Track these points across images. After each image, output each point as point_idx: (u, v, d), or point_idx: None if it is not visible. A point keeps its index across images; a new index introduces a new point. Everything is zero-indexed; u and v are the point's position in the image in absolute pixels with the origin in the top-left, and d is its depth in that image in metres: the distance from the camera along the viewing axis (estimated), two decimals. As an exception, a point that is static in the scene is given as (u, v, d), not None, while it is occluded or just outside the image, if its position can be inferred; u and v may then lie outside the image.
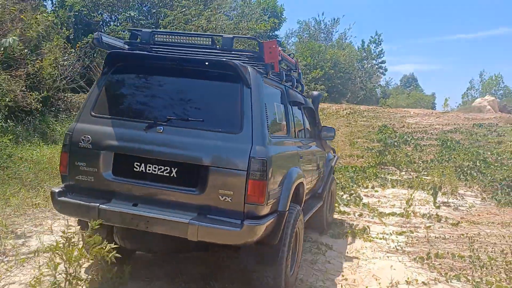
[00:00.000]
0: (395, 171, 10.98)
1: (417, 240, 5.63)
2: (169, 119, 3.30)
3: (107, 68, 3.61)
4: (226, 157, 3.16)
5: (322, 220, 5.68)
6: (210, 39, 3.88)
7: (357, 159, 11.89)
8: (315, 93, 6.17)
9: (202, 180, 3.16)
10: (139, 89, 3.62)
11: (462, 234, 5.92)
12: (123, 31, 17.07)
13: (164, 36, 4.01)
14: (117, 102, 3.60)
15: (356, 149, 13.04)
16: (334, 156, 6.43)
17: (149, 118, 3.37)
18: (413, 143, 13.90)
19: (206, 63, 3.41)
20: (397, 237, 5.71)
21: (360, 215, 6.80)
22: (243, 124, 3.23)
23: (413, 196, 7.96)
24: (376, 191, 8.68)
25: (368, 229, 5.86)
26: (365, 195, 8.23)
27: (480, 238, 5.80)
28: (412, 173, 10.69)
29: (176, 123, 3.31)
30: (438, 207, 7.55)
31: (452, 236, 5.84)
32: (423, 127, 16.72)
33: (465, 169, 10.86)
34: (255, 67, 3.61)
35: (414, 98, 44.53)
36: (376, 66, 43.07)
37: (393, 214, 6.87)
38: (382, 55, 43.20)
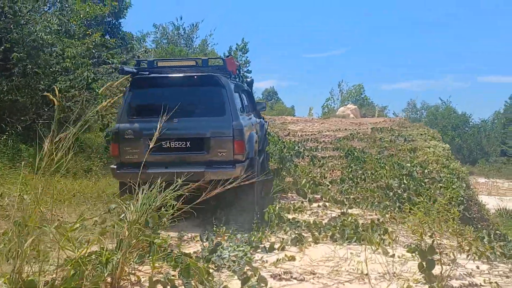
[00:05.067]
0: (299, 201, 6.78)
1: None
2: (180, 114, 5.15)
3: (132, 87, 5.89)
4: (219, 130, 5.60)
5: (265, 167, 7.58)
6: (195, 61, 6.55)
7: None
8: (248, 79, 9.20)
9: (207, 146, 5.58)
10: (155, 98, 5.80)
11: None
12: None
13: (163, 62, 6.66)
14: (143, 107, 5.79)
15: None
16: (266, 122, 8.84)
17: (167, 114, 4.69)
18: (307, 155, 10.03)
19: (195, 77, 5.90)
20: None
21: None
22: (225, 110, 5.67)
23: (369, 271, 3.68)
24: (290, 257, 4.18)
25: None
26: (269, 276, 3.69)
27: None
28: (327, 204, 6.60)
29: (185, 115, 5.53)
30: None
31: None
32: (311, 134, 13.18)
33: (396, 191, 7.19)
34: (223, 75, 6.09)
35: (277, 110, 43.26)
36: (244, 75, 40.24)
37: None
38: (249, 64, 40.82)
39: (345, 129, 13.70)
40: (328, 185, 7.90)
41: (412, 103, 59.13)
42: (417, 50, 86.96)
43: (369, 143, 11.24)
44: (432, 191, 7.58)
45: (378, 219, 5.64)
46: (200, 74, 6.00)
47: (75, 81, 8.23)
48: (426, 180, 8.04)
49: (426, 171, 8.57)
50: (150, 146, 3.80)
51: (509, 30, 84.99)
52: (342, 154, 10.06)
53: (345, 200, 6.52)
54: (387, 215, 5.96)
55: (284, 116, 18.82)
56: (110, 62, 9.11)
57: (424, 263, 3.47)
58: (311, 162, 9.59)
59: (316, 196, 7.14)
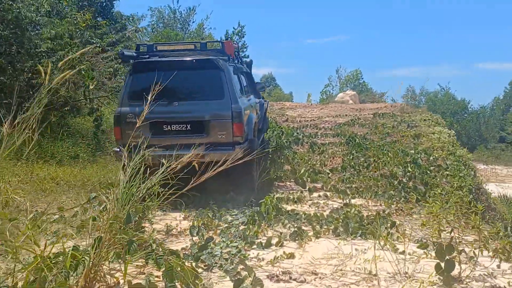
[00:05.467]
0: (298, 191, 6.35)
1: None
2: (180, 97, 5.86)
3: (133, 71, 6.05)
4: (219, 113, 5.73)
5: (265, 146, 7.69)
6: (193, 45, 6.64)
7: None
8: (247, 60, 9.08)
9: (207, 128, 5.71)
10: (156, 81, 4.80)
11: None
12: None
13: (163, 46, 6.89)
14: (143, 91, 4.73)
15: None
16: (266, 102, 8.92)
17: (167, 98, 5.57)
18: (307, 142, 9.58)
19: (194, 61, 5.99)
20: None
21: None
22: (224, 93, 5.80)
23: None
24: (288, 255, 3.75)
25: None
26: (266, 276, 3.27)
27: None
28: (328, 194, 6.17)
29: (184, 99, 5.90)
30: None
31: None
32: (311, 120, 12.69)
33: (401, 180, 6.78)
34: (222, 58, 6.15)
35: (275, 96, 42.63)
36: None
37: None
38: (245, 49, 40.05)
39: (346, 115, 13.21)
40: (328, 174, 7.46)
41: (411, 90, 58.56)
42: (415, 37, 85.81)
43: (370, 129, 10.75)
44: (438, 179, 7.15)
45: (384, 211, 5.22)
46: (199, 58, 6.13)
47: (57, 63, 7.70)
48: (431, 168, 7.60)
49: (431, 158, 8.12)
50: (137, 125, 3.83)
51: (506, 17, 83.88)
52: (343, 141, 9.60)
53: (347, 189, 6.08)
54: (392, 206, 5.54)
55: (282, 102, 18.33)
56: (93, 41, 8.57)
57: (442, 263, 3.05)
58: (310, 149, 9.13)
59: (316, 185, 6.72)
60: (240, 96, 6.24)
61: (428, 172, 7.38)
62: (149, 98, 4.05)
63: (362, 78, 49.69)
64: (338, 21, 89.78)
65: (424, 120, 11.27)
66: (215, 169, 3.40)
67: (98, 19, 15.98)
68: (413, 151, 8.46)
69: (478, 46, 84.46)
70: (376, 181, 6.65)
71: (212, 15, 71.36)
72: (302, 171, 6.61)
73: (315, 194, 6.15)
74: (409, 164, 7.51)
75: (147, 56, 6.36)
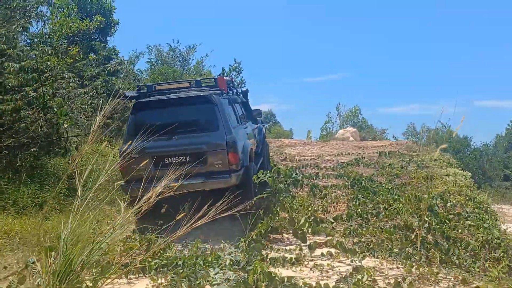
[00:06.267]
0: (297, 246, 5.32)
1: None
2: (179, 132, 6.28)
3: (135, 110, 6.62)
4: (215, 144, 6.28)
5: (265, 168, 8.35)
6: (189, 83, 7.37)
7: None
8: (244, 89, 9.74)
9: (204, 159, 6.20)
10: (156, 118, 6.37)
11: None
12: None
13: (160, 85, 7.39)
14: (145, 128, 5.47)
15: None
16: (264, 126, 9.81)
17: (167, 133, 6.07)
18: (307, 184, 8.59)
19: (190, 98, 6.61)
20: None
21: None
22: (219, 126, 6.36)
23: None
24: None
25: None
26: None
27: None
28: (333, 252, 5.13)
29: (183, 133, 6.36)
30: None
31: None
32: (311, 158, 11.77)
33: (418, 233, 5.76)
34: (215, 93, 6.69)
35: (274, 132, 41.95)
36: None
37: None
38: (244, 85, 39.76)
39: (348, 153, 12.30)
40: (332, 223, 6.46)
41: (411, 126, 58.05)
42: (414, 75, 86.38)
43: (377, 169, 9.80)
44: (460, 230, 6.15)
45: (403, 277, 4.19)
46: (194, 95, 6.72)
47: (23, 100, 6.84)
48: (450, 217, 6.60)
49: (448, 205, 7.14)
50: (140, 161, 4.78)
51: (504, 55, 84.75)
52: (347, 183, 8.63)
53: (356, 247, 5.04)
54: (413, 269, 4.50)
55: (281, 139, 17.44)
56: (66, 76, 7.82)
57: None
58: (311, 192, 8.14)
59: (318, 238, 5.71)
60: (235, 126, 6.87)
61: (447, 221, 6.38)
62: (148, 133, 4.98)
63: (361, 115, 49.23)
64: (336, 60, 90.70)
65: (435, 160, 10.33)
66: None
67: (90, 54, 15.40)
68: (427, 196, 7.46)
69: (476, 83, 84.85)
70: (389, 234, 5.63)
71: (212, 54, 72.30)
72: (302, 221, 5.61)
73: (318, 251, 5.12)
74: (424, 213, 6.51)
75: (148, 95, 6.99)
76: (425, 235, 5.76)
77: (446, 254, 5.14)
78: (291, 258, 4.73)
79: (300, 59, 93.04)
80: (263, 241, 5.24)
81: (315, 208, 7.27)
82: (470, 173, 9.53)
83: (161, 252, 4.96)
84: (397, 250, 5.08)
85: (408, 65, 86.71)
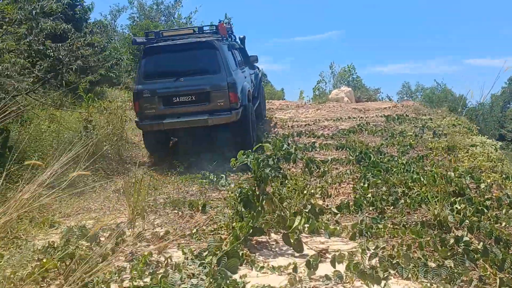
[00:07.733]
0: (288, 260, 3.72)
1: None
2: (185, 74, 7.19)
3: (145, 55, 7.41)
4: (217, 84, 7.10)
5: (261, 112, 9.86)
6: (193, 30, 8.21)
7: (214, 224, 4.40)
8: (241, 36, 9.97)
9: (208, 98, 7.09)
10: (165, 62, 7.34)
11: None
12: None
13: (168, 32, 8.27)
14: (155, 71, 7.24)
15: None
16: (260, 70, 10.91)
17: (174, 75, 7.19)
18: (301, 158, 6.95)
19: (194, 43, 7.33)
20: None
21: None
22: (220, 69, 7.15)
23: None
24: None
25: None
26: None
27: None
28: (343, 274, 3.52)
29: (188, 75, 7.21)
30: None
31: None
32: (305, 124, 10.07)
33: (458, 235, 4.21)
34: (216, 39, 7.50)
35: (266, 93, 39.89)
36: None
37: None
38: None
39: (348, 117, 10.61)
40: (336, 214, 4.90)
41: (406, 85, 56.05)
42: (405, 33, 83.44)
43: (385, 138, 8.17)
44: (504, 223, 4.60)
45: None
46: (198, 40, 7.46)
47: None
48: (487, 203, 5.05)
49: (482, 186, 5.59)
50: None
51: (494, 12, 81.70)
52: (351, 156, 7.01)
53: (378, 268, 3.42)
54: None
55: (271, 101, 15.66)
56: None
57: None
58: (306, 169, 6.56)
59: (319, 241, 4.11)
60: (234, 69, 7.63)
61: (485, 210, 4.82)
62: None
63: (356, 73, 47.13)
64: (327, 18, 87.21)
65: (453, 125, 8.69)
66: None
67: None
68: (452, 174, 5.88)
69: (467, 42, 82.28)
70: (417, 236, 4.04)
71: (200, 8, 68.08)
72: (296, 222, 3.99)
73: (321, 269, 3.51)
74: (456, 199, 4.94)
75: (155, 41, 7.76)
76: (462, 233, 4.20)
77: (500, 266, 3.60)
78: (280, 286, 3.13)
79: (291, 17, 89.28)
80: (241, 253, 3.62)
81: (312, 191, 5.68)
82: (499, 142, 7.93)
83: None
84: (433, 264, 3.51)
85: (399, 22, 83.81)
